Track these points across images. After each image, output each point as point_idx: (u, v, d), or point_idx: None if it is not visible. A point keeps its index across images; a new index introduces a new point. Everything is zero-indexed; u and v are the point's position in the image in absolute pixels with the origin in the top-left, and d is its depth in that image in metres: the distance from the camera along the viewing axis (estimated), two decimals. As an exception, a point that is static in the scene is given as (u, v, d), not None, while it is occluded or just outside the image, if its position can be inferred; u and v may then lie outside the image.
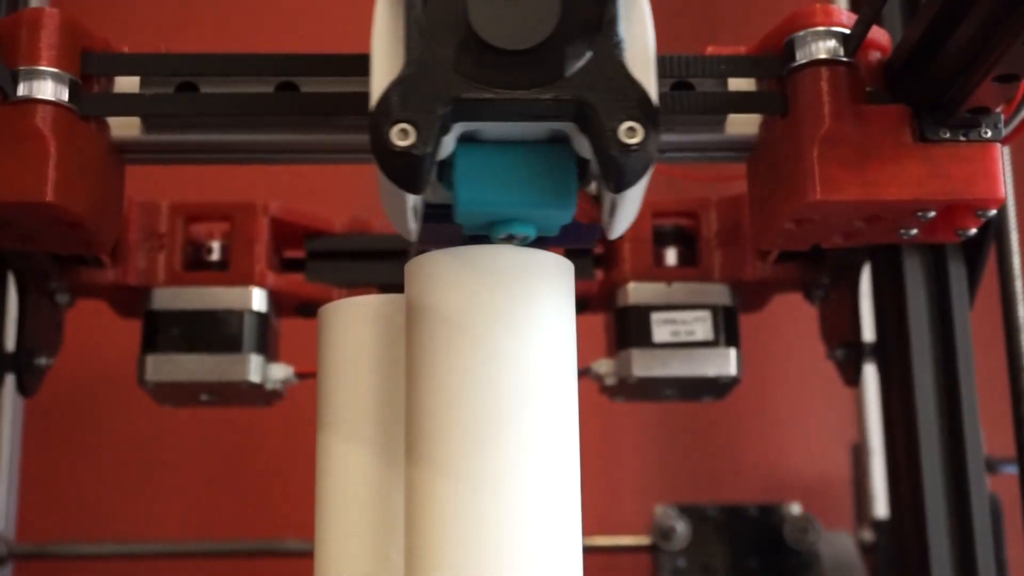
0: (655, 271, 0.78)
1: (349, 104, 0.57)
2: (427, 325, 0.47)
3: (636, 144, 0.42)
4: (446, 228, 0.48)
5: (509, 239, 0.47)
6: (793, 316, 0.99)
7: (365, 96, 0.44)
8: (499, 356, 0.45)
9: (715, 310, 0.76)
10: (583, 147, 0.45)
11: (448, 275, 0.46)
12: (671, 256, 0.79)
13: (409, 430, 0.47)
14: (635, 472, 1.19)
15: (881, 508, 1.05)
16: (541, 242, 0.48)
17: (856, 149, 0.56)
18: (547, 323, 0.46)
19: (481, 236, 0.47)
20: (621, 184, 0.43)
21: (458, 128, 0.44)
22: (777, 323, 1.14)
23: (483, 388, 0.44)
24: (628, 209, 0.47)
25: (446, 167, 0.46)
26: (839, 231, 0.63)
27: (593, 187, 0.48)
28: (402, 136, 0.42)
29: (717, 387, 0.78)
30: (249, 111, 0.59)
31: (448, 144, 0.45)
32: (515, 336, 0.45)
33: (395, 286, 0.50)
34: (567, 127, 0.44)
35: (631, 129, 0.42)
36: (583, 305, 0.81)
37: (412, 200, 0.46)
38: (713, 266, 0.78)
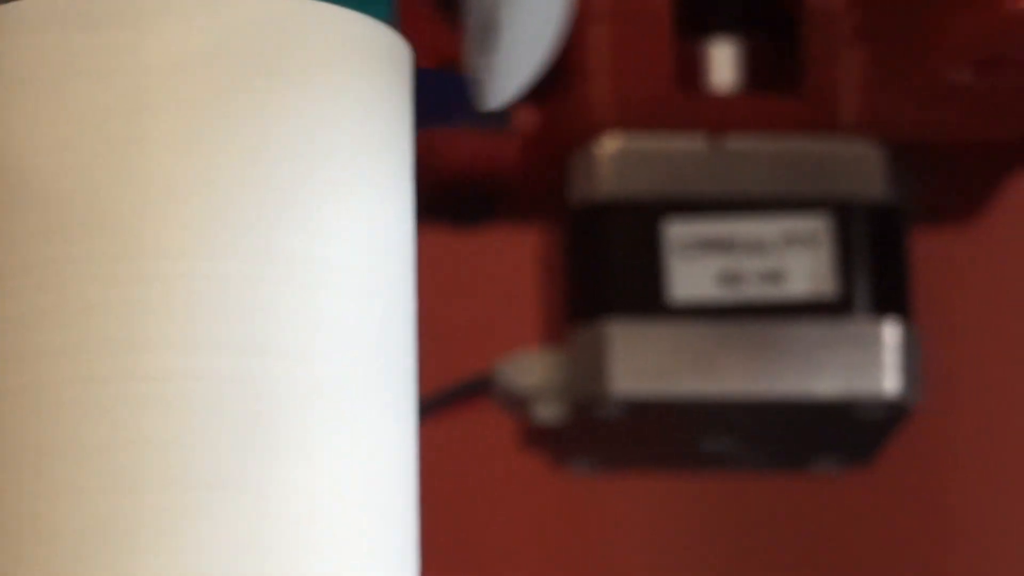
0: (678, 102, 0.67)
1: None
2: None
3: None
4: None
5: None
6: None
7: None
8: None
9: (844, 214, 0.66)
10: None
11: (51, 52, 0.38)
12: (722, 61, 0.68)
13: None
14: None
15: None
16: None
17: None
18: (319, 204, 0.39)
19: None
20: None
21: None
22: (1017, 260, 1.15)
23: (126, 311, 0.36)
24: (527, 25, 0.42)
25: None
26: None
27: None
28: None
29: (852, 433, 0.68)
30: None
31: None
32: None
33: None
34: None
35: None
36: (480, 208, 0.72)
37: None
38: (841, 90, 0.67)
